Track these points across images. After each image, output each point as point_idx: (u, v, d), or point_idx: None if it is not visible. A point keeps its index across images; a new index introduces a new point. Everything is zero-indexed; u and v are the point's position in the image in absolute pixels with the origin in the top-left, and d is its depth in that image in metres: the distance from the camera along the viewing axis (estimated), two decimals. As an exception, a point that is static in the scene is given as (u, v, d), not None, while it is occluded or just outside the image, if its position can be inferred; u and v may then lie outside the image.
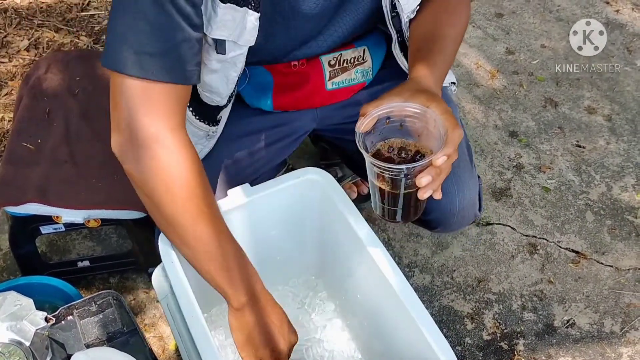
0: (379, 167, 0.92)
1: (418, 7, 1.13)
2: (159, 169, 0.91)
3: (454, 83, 1.33)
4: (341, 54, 1.21)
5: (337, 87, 1.23)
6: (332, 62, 1.21)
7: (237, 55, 1.04)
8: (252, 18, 0.98)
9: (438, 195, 0.94)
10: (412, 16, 1.14)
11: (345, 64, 1.22)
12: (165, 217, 0.94)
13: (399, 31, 1.15)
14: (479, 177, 1.27)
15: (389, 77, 1.25)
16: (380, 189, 0.96)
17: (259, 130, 1.24)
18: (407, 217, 1.00)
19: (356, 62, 1.23)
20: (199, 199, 0.93)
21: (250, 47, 1.03)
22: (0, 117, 1.96)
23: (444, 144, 0.90)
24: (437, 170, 0.90)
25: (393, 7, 1.09)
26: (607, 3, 2.44)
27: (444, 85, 1.27)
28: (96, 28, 2.27)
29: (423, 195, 0.91)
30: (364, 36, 1.23)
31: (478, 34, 2.32)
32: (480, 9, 2.43)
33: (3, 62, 2.12)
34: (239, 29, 0.99)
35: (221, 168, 1.20)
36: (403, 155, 0.95)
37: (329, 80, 1.22)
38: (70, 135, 1.48)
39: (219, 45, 1.01)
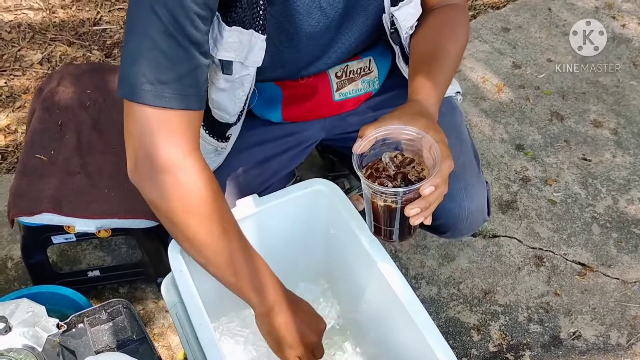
0: (374, 189, 0.92)
1: (417, 22, 1.15)
2: (180, 192, 0.93)
3: (459, 92, 1.35)
4: (347, 65, 1.23)
5: (345, 98, 1.26)
6: (339, 74, 1.23)
7: (244, 76, 1.06)
8: (258, 40, 1.01)
9: (428, 222, 0.95)
10: (410, 32, 1.15)
11: (351, 75, 1.24)
12: (188, 238, 0.97)
13: (400, 45, 1.17)
14: (486, 182, 1.28)
15: (395, 86, 1.27)
16: (375, 209, 0.97)
17: (268, 141, 1.27)
18: (403, 236, 1.01)
19: (362, 73, 1.25)
20: (219, 217, 0.96)
21: (258, 68, 1.06)
22: (13, 130, 1.99)
23: (433, 175, 0.90)
24: (425, 202, 0.91)
25: (392, 23, 1.12)
26: (613, 18, 2.46)
27: (448, 95, 1.29)
28: (108, 42, 2.31)
29: (414, 222, 0.93)
30: (370, 47, 1.25)
31: (485, 48, 2.35)
32: (487, 23, 2.45)
33: (17, 76, 2.16)
34: (245, 50, 1.02)
35: (231, 178, 1.22)
36: (399, 169, 0.96)
37: (336, 91, 1.24)
38: (82, 147, 1.51)
39: (225, 66, 1.03)
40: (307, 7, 1.03)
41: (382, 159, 0.97)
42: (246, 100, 1.12)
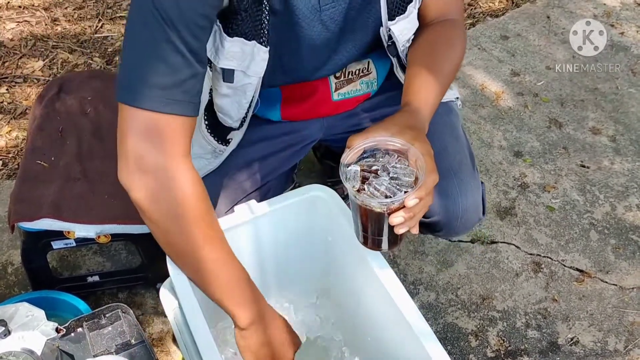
0: (362, 201, 0.92)
1: (414, 36, 1.16)
2: (165, 195, 0.94)
3: (458, 98, 1.36)
4: (346, 67, 1.24)
5: (343, 98, 1.27)
6: (338, 75, 1.25)
7: (246, 84, 1.07)
8: (260, 52, 1.02)
9: (415, 230, 0.96)
10: (407, 45, 1.17)
11: (350, 76, 1.26)
12: (171, 243, 0.98)
13: (398, 56, 1.18)
14: (482, 182, 1.28)
15: (394, 88, 1.27)
16: (363, 218, 0.97)
17: (267, 138, 1.28)
18: (394, 244, 1.01)
19: (361, 74, 1.27)
20: (203, 224, 0.96)
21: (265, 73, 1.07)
22: (14, 136, 2.00)
23: (418, 187, 0.91)
24: (410, 213, 0.91)
25: (390, 36, 1.13)
26: (612, 26, 2.47)
27: (447, 100, 1.30)
28: (109, 49, 2.33)
29: (399, 231, 0.93)
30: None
31: (483, 55, 2.36)
32: (486, 31, 2.47)
33: (18, 83, 2.17)
34: (247, 60, 1.03)
35: (230, 174, 1.24)
36: (385, 175, 0.95)
37: (335, 91, 1.26)
38: (83, 153, 1.52)
39: (227, 75, 1.05)
40: (309, 20, 1.05)
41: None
42: (249, 107, 1.14)
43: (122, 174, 0.96)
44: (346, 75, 1.25)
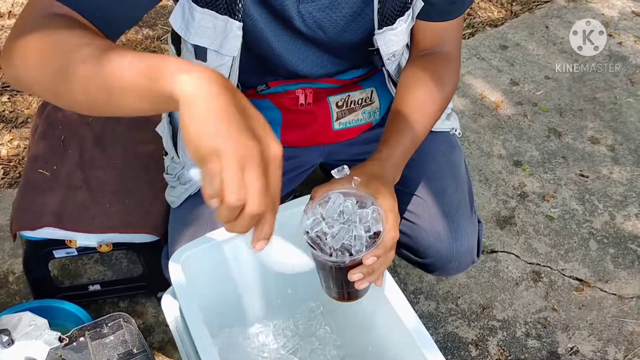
0: (318, 257, 0.91)
1: (404, 54, 1.14)
2: (15, 30, 0.79)
3: (455, 129, 1.34)
4: (349, 96, 1.23)
5: (344, 127, 1.26)
6: (340, 103, 1.23)
7: (220, 66, 1.04)
8: (234, 27, 0.99)
9: (379, 283, 0.95)
10: (394, 59, 1.15)
11: (352, 105, 1.24)
12: (55, 83, 0.75)
13: (387, 69, 1.17)
14: (479, 221, 1.27)
15: None
16: (324, 273, 0.96)
17: None
18: (364, 293, 1.00)
19: (364, 104, 1.25)
20: (52, 30, 0.77)
21: (247, 67, 1.05)
22: (16, 145, 2.01)
23: (376, 245, 0.89)
24: (369, 269, 0.90)
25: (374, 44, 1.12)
26: (610, 35, 2.49)
27: (444, 130, 1.28)
28: (110, 58, 2.33)
29: (359, 286, 0.92)
30: (372, 77, 1.26)
31: (483, 65, 2.37)
32: (485, 41, 2.48)
33: (20, 92, 2.18)
34: (220, 37, 1.00)
35: None
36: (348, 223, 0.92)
37: (336, 120, 1.25)
38: (84, 162, 1.53)
39: (199, 52, 1.02)
40: (287, 8, 1.02)
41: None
42: None
43: (4, 48, 0.81)
44: (348, 105, 1.24)
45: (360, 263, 0.90)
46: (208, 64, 1.03)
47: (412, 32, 1.15)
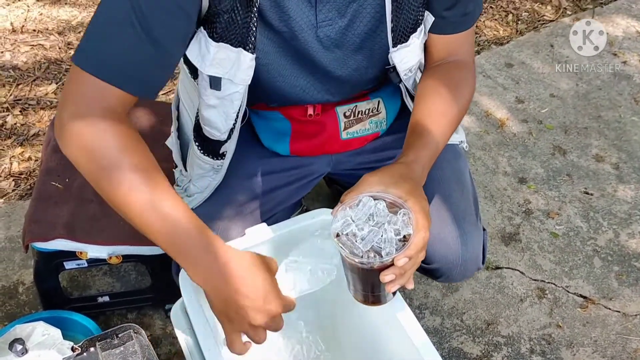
0: (349, 260, 0.92)
1: (419, 69, 1.16)
2: (83, 142, 0.91)
3: (463, 142, 1.36)
4: (356, 106, 1.26)
5: (352, 137, 1.29)
6: (347, 114, 1.26)
7: (233, 93, 1.08)
8: (246, 58, 1.03)
9: (410, 286, 0.96)
10: (410, 75, 1.17)
11: (360, 115, 1.27)
12: (103, 191, 0.93)
13: (404, 85, 1.20)
14: (484, 229, 1.28)
15: (403, 129, 1.24)
16: (352, 276, 0.97)
17: (274, 172, 1.30)
18: (390, 298, 1.01)
19: (371, 114, 1.28)
20: (129, 172, 0.90)
21: (262, 87, 1.08)
22: (27, 157, 2.04)
23: (408, 246, 0.90)
24: (400, 270, 0.91)
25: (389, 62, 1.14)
26: (615, 55, 2.51)
27: (452, 142, 1.30)
28: (121, 73, 2.37)
29: (391, 289, 0.94)
30: (379, 88, 1.28)
31: (488, 83, 2.40)
32: (491, 59, 2.51)
33: (31, 105, 2.21)
34: (234, 67, 1.04)
35: (235, 205, 1.24)
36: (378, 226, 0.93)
37: (343, 130, 1.27)
38: (96, 175, 1.55)
39: (214, 82, 1.06)
40: (305, 34, 1.05)
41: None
42: (236, 117, 1.14)
43: (57, 130, 0.94)
44: (356, 115, 1.26)
45: (388, 266, 0.91)
46: (222, 91, 1.07)
47: (426, 45, 1.17)
